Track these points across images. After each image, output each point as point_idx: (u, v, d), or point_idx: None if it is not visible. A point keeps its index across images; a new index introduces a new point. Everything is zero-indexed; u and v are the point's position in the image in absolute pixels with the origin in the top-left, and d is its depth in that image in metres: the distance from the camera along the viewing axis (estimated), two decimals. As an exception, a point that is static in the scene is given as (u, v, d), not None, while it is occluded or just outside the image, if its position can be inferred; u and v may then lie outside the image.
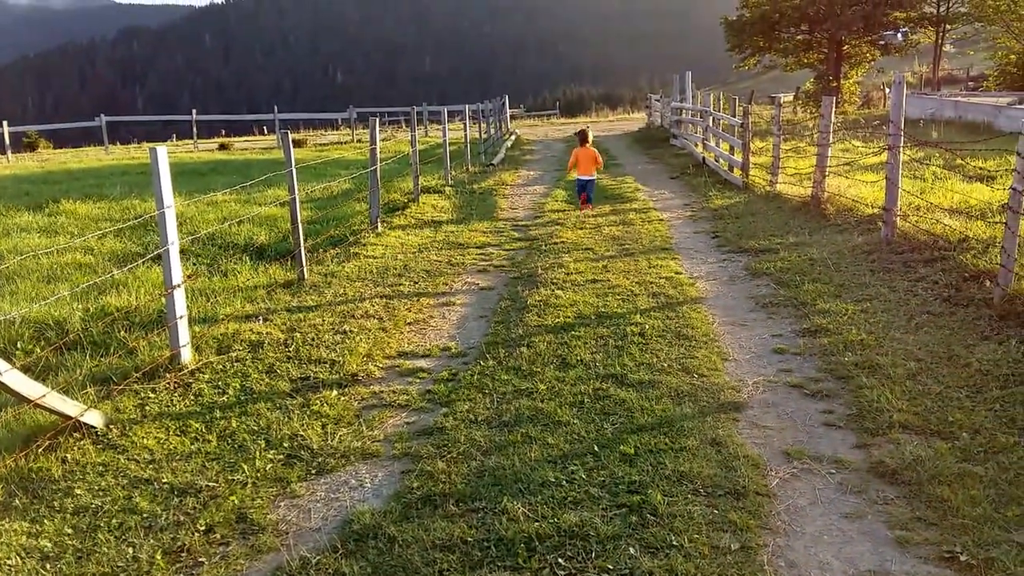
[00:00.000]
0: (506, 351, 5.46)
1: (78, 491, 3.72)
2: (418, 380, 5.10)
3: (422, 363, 5.41)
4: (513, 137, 27.11)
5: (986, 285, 5.88)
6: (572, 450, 4.01)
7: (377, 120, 10.18)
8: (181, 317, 5.12)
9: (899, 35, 29.62)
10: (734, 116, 13.85)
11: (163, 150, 4.76)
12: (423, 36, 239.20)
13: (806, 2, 27.99)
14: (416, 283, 7.47)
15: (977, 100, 21.97)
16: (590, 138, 11.26)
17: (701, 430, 4.17)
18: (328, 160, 17.91)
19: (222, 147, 26.97)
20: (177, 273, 5.05)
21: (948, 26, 30.60)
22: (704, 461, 3.84)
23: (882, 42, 30.10)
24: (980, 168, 10.79)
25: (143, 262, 7.41)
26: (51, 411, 4.06)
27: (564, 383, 4.85)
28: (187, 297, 6.52)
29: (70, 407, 4.10)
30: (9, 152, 24.44)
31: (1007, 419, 4.09)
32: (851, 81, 30.22)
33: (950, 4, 30.03)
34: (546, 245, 8.95)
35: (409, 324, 6.25)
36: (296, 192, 7.39)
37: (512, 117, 37.25)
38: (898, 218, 7.71)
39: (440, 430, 4.31)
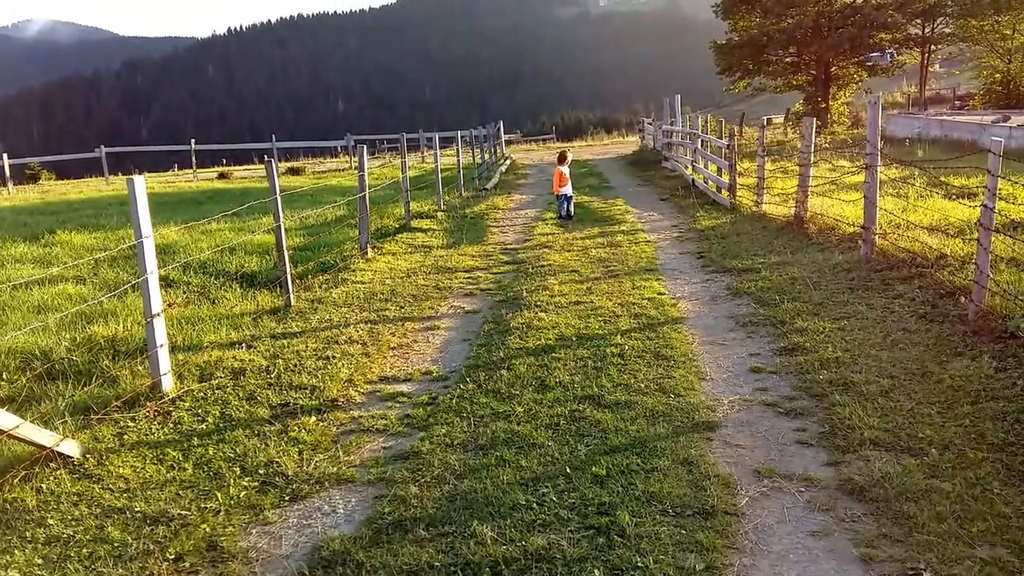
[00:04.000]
0: (486, 374, 5.49)
1: (51, 521, 3.74)
2: (398, 404, 5.13)
3: (403, 387, 5.44)
4: (508, 162, 27.32)
5: (961, 302, 5.93)
6: (545, 472, 4.03)
7: (364, 148, 10.30)
8: (162, 345, 5.17)
9: (886, 56, 29.98)
10: (721, 138, 13.99)
11: (140, 180, 4.84)
12: (422, 64, 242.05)
13: (793, 24, 28.35)
14: (402, 308, 7.52)
15: (963, 119, 22.19)
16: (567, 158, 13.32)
17: (674, 450, 4.19)
18: (323, 187, 18.08)
19: (221, 176, 27.17)
20: (157, 302, 5.11)
21: (933, 47, 30.97)
22: (675, 481, 3.86)
23: (869, 63, 30.44)
24: (963, 186, 10.87)
25: (123, 290, 7.46)
26: (26, 442, 4.09)
27: (541, 405, 4.88)
28: (173, 325, 6.59)
29: (45, 437, 4.13)
30: (10, 184, 24.64)
31: (976, 435, 4.11)
32: (839, 102, 30.51)
33: (935, 25, 30.40)
34: (533, 268, 9.02)
35: (392, 349, 6.29)
36: (281, 220, 7.48)
37: (508, 142, 37.55)
38: (877, 236, 7.78)
39: (416, 454, 4.34)
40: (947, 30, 30.08)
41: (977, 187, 10.38)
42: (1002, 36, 27.33)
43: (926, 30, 30.38)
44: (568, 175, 12.87)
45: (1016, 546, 3.20)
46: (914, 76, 34.97)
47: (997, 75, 28.45)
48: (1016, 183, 7.86)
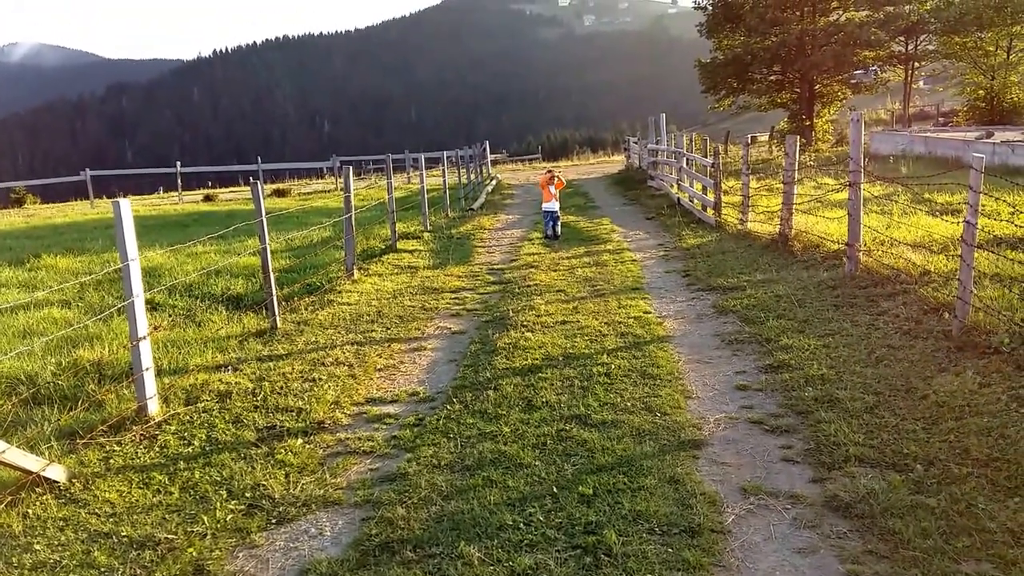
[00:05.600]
0: (473, 395, 5.50)
1: (37, 546, 3.70)
2: (384, 426, 5.12)
3: (390, 409, 5.43)
4: (494, 182, 27.44)
5: (945, 317, 6.00)
6: (532, 492, 4.03)
7: (351, 169, 10.34)
8: (147, 369, 5.14)
9: (870, 73, 30.37)
10: (706, 157, 14.13)
11: (126, 203, 4.85)
12: (408, 86, 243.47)
13: (777, 43, 28.67)
14: (388, 329, 7.52)
15: (946, 135, 22.47)
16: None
17: (660, 468, 4.20)
18: (310, 209, 18.09)
19: (207, 198, 27.12)
20: (142, 325, 5.09)
21: (917, 64, 31.40)
22: (661, 500, 3.87)
23: (853, 81, 30.84)
24: (946, 203, 11.01)
25: (108, 314, 7.42)
26: (12, 467, 4.06)
27: (528, 425, 4.88)
28: (159, 349, 6.56)
29: (31, 462, 4.10)
30: (-6, 208, 24.52)
31: (961, 450, 4.14)
32: (824, 120, 30.85)
33: (918, 42, 30.83)
34: (519, 288, 9.05)
35: (379, 370, 6.28)
36: (267, 242, 7.48)
37: (494, 162, 37.76)
38: (861, 253, 7.86)
39: (403, 476, 4.33)
40: (930, 47, 30.41)
41: (960, 203, 10.54)
42: (985, 53, 27.69)
43: (909, 47, 30.76)
44: (555, 192, 13.05)
45: (1001, 561, 3.22)
46: (898, 93, 35.39)
47: (980, 91, 28.71)
48: (998, 199, 7.96)
